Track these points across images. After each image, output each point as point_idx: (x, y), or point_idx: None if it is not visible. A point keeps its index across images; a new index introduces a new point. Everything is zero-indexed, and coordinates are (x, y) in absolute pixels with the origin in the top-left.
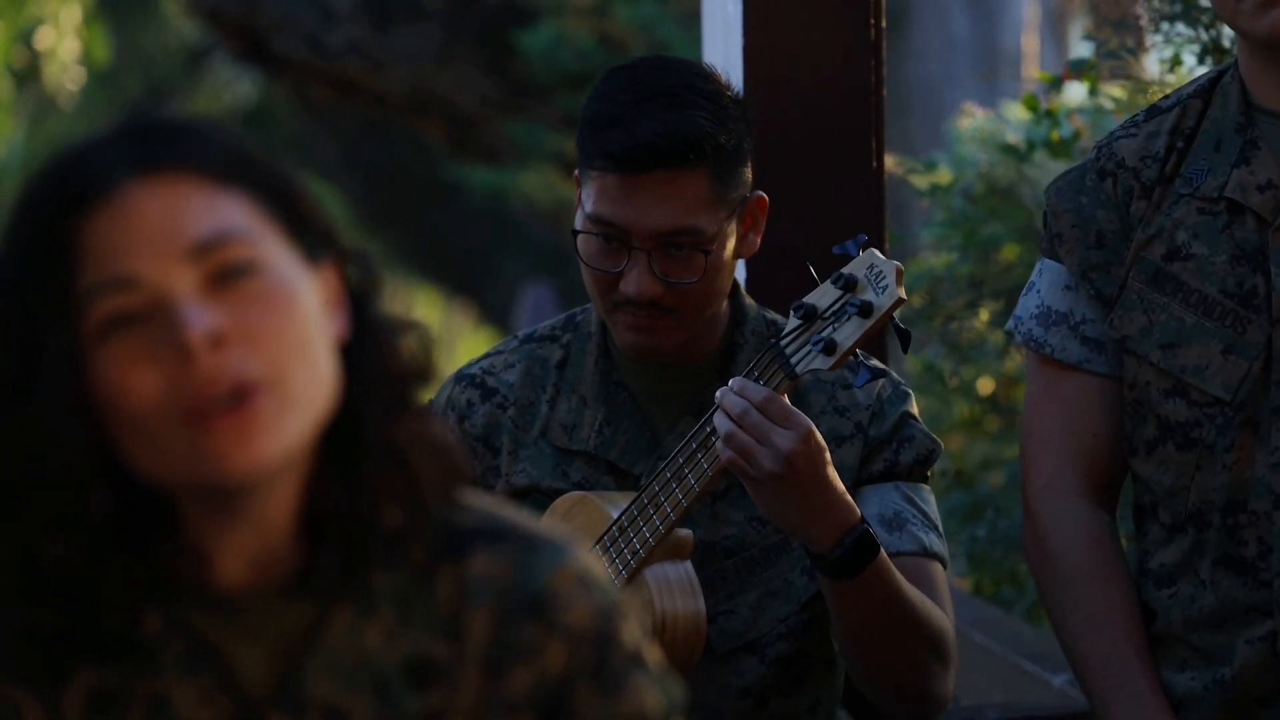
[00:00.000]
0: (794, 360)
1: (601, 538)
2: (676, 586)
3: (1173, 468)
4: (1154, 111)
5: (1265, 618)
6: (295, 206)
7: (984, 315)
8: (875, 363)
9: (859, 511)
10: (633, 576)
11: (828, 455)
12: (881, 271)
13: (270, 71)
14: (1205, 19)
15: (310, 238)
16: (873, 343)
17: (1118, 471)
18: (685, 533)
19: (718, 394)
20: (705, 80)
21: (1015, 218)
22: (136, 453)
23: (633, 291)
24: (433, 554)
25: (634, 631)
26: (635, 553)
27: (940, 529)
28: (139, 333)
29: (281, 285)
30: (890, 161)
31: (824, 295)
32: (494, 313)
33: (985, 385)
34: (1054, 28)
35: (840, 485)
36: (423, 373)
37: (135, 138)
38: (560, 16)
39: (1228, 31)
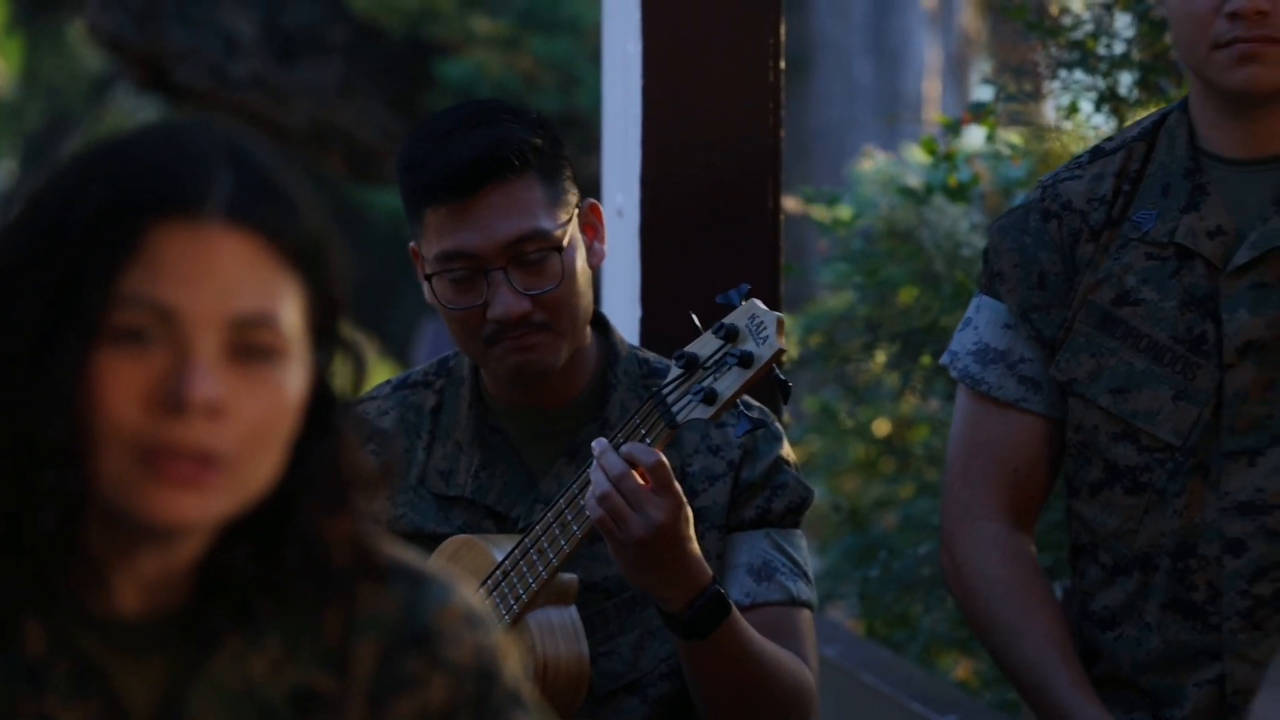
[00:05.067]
0: (675, 410)
1: (486, 581)
2: (559, 631)
3: (1119, 511)
4: (1098, 153)
5: (1215, 661)
6: (333, 307)
7: (880, 357)
8: (758, 409)
9: (711, 573)
10: (516, 620)
11: (692, 525)
12: (763, 322)
13: (173, 102)
14: (1102, 67)
15: (326, 337)
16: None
17: (1038, 504)
18: (570, 578)
19: (593, 445)
20: (504, 101)
21: (914, 260)
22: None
23: (501, 313)
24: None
25: (515, 670)
26: (519, 597)
27: (809, 574)
28: (145, 357)
29: (286, 383)
30: (791, 202)
31: (705, 345)
32: (395, 345)
33: (881, 427)
34: (955, 73)
35: (697, 549)
36: (373, 483)
37: (242, 173)
38: (471, 49)
39: (1125, 79)
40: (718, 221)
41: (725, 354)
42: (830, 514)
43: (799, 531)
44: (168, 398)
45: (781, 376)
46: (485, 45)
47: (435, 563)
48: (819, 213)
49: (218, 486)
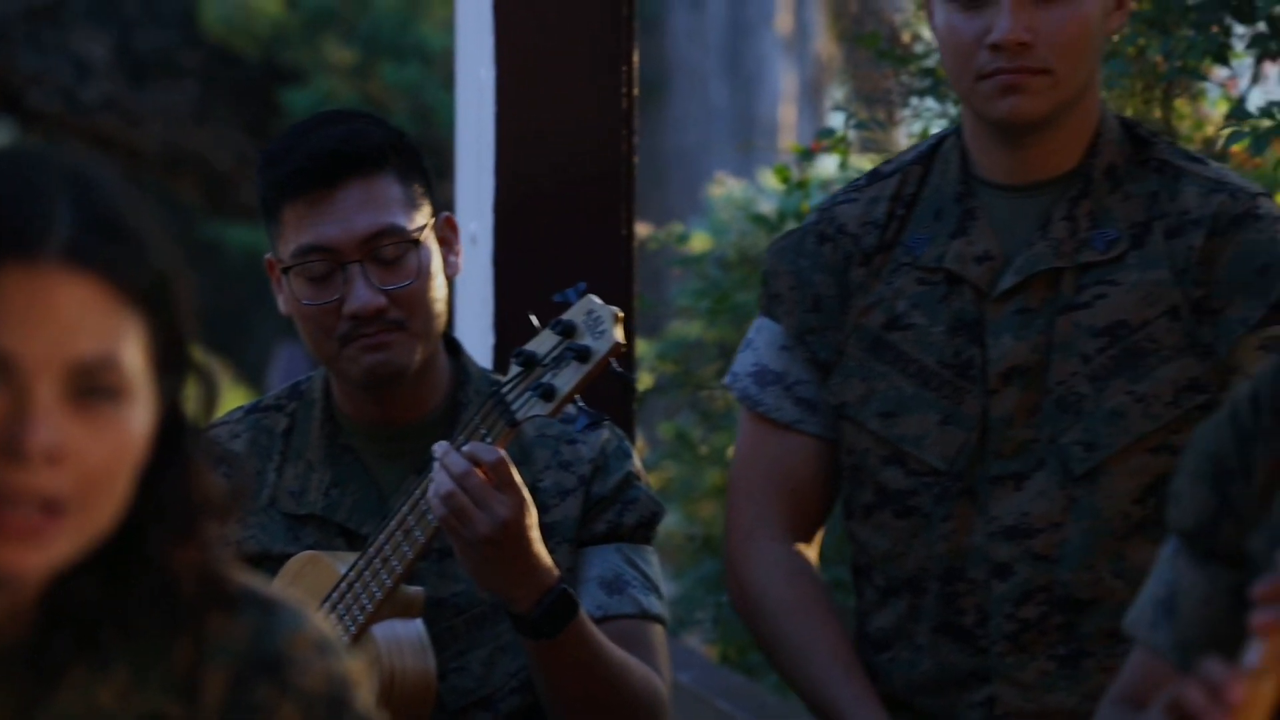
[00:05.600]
0: (514, 407)
1: (330, 595)
2: (406, 644)
3: (890, 533)
4: (875, 176)
5: (984, 683)
6: (180, 339)
7: None
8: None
9: (558, 573)
10: (360, 632)
11: (536, 522)
12: (599, 317)
13: (24, 125)
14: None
15: (173, 368)
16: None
17: (819, 522)
18: (415, 590)
19: (434, 448)
20: (364, 110)
21: None
22: None
23: (357, 306)
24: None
25: (367, 698)
26: (363, 608)
27: (661, 590)
28: None
29: (130, 422)
30: (645, 229)
31: (543, 342)
32: (249, 371)
33: None
34: (811, 98)
35: (543, 549)
36: (223, 508)
37: (83, 211)
38: (323, 75)
39: None
40: (571, 248)
41: (563, 350)
42: (685, 541)
43: (650, 547)
44: (6, 445)
45: (619, 370)
46: (336, 72)
47: (281, 580)
48: (673, 239)
49: (61, 533)
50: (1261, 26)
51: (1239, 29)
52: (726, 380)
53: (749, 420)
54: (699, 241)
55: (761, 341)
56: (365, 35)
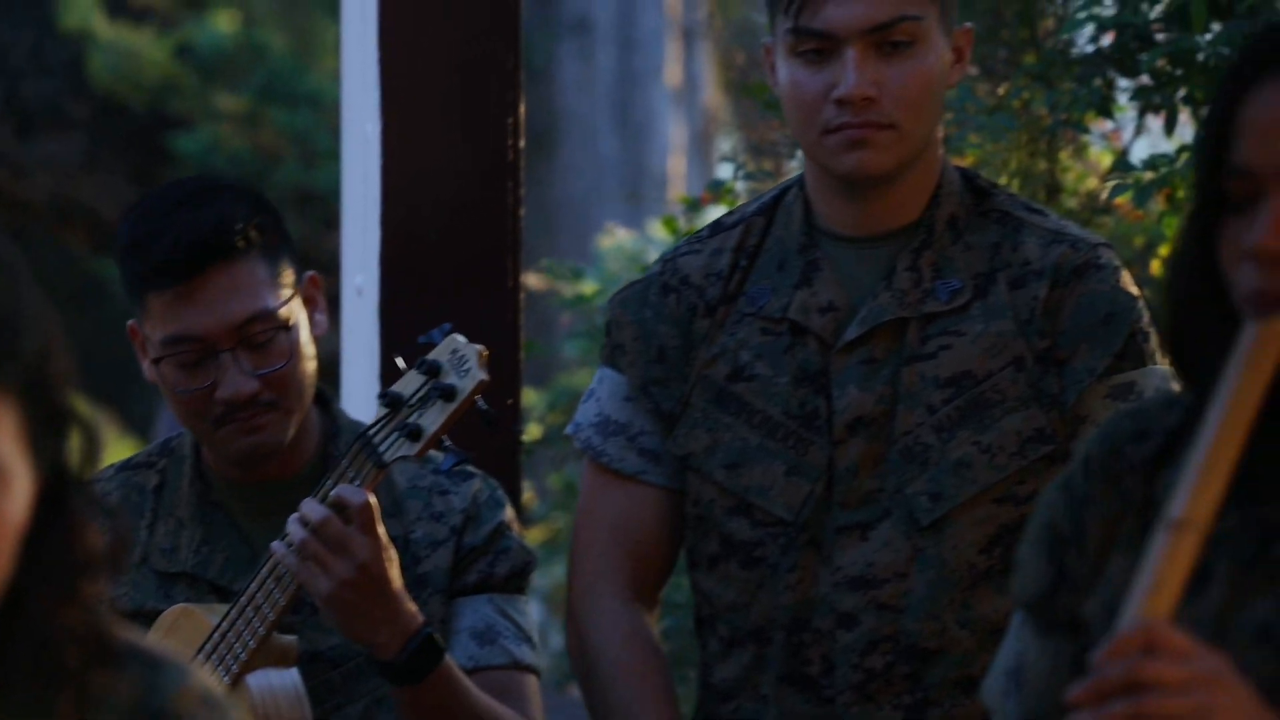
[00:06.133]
0: (381, 449)
1: (203, 645)
2: (281, 694)
3: (735, 584)
4: (718, 228)
5: None
6: (55, 408)
7: None
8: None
9: (422, 618)
10: (235, 681)
11: (398, 566)
12: (464, 355)
13: None
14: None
15: (52, 433)
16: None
17: (661, 577)
18: (289, 639)
19: (303, 504)
20: (222, 179)
21: None
22: None
23: (231, 394)
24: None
25: None
26: (237, 657)
27: (534, 640)
28: None
29: (8, 508)
30: (535, 277)
31: (408, 383)
32: (136, 422)
33: None
34: (700, 150)
35: (405, 594)
36: (106, 564)
37: None
38: (212, 123)
39: None
40: (458, 300)
41: (429, 389)
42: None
43: (524, 596)
44: None
45: (484, 407)
46: (226, 120)
47: (155, 634)
48: (563, 288)
49: None
50: (1145, 79)
51: (1122, 82)
52: (569, 430)
53: (592, 471)
54: (588, 289)
55: (604, 392)
56: (257, 83)
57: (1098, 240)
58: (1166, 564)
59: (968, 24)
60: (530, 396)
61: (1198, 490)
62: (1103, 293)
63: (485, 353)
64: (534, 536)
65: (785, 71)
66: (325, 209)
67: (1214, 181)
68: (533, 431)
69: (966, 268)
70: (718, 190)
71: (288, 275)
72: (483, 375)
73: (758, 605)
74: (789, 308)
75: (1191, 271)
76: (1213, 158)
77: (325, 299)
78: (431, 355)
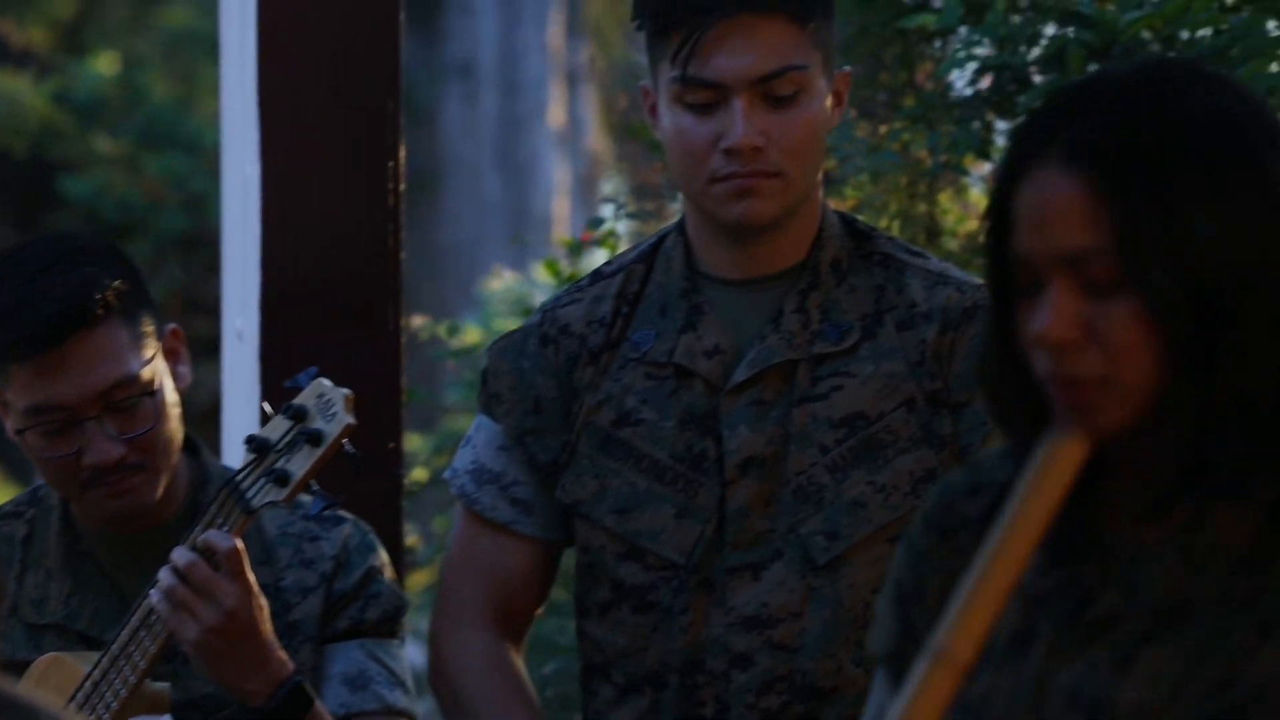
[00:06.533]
0: (249, 495)
1: (75, 694)
2: None
3: (628, 630)
4: (597, 277)
5: None
6: None
7: None
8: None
9: (292, 665)
10: None
11: (267, 613)
12: (330, 400)
13: None
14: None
15: None
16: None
17: (527, 622)
18: (161, 685)
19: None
20: (80, 240)
21: None
22: None
23: (97, 460)
24: None
25: None
26: (109, 706)
27: (408, 684)
28: None
29: None
30: (419, 321)
31: (275, 428)
32: (17, 467)
33: None
34: (584, 192)
35: (275, 641)
36: None
37: None
38: (95, 167)
39: None
40: (339, 345)
41: (295, 434)
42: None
43: (397, 641)
44: None
45: (351, 451)
46: (108, 164)
47: (26, 684)
48: (444, 332)
49: None
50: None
51: (1001, 124)
52: (446, 475)
53: (465, 516)
54: (472, 334)
55: (480, 440)
56: (137, 127)
57: (979, 282)
58: (920, 694)
59: (847, 68)
60: (415, 441)
61: (961, 621)
62: None
63: (352, 397)
64: (419, 580)
65: (670, 119)
66: (208, 253)
67: (1001, 269)
68: (418, 475)
69: (853, 309)
70: (597, 227)
71: (149, 333)
72: (349, 419)
73: (652, 650)
74: (674, 352)
75: (999, 348)
76: (996, 247)
77: (190, 346)
78: (298, 400)
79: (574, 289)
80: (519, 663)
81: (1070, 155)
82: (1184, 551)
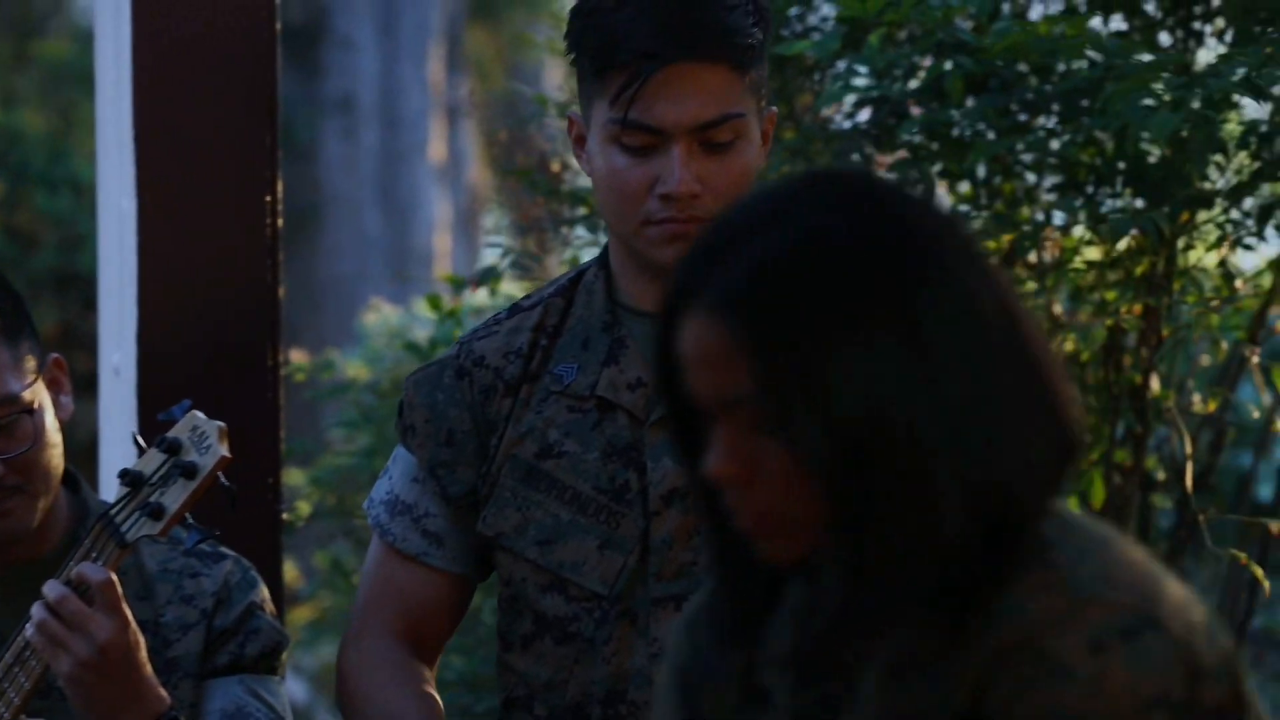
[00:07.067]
0: (124, 529)
1: None
2: None
3: (551, 661)
4: (515, 310)
5: None
6: None
7: None
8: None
9: (169, 700)
10: None
11: (143, 647)
12: (205, 432)
13: None
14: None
15: None
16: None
17: (435, 652)
18: None
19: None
20: None
21: None
22: None
23: None
24: None
25: None
26: None
27: (288, 719)
28: None
29: None
30: (300, 357)
31: (149, 461)
32: None
33: None
34: (466, 226)
35: (151, 674)
36: None
37: None
38: None
39: None
40: (217, 380)
41: (170, 468)
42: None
43: (276, 678)
44: None
45: (226, 483)
46: None
47: None
48: (320, 370)
49: None
50: (902, 153)
51: (880, 156)
52: (365, 505)
53: (379, 546)
54: (353, 369)
55: (397, 471)
56: (15, 166)
57: None
58: None
59: (774, 108)
60: (295, 475)
61: None
62: None
63: (226, 429)
64: (301, 616)
65: (604, 158)
66: (86, 291)
67: (676, 407)
68: (301, 509)
69: None
70: (487, 278)
71: (30, 359)
72: (224, 452)
73: (575, 681)
74: (597, 385)
75: (696, 480)
76: (665, 389)
77: (71, 381)
78: (172, 433)
79: (491, 322)
80: (427, 673)
81: (713, 304)
82: (888, 667)
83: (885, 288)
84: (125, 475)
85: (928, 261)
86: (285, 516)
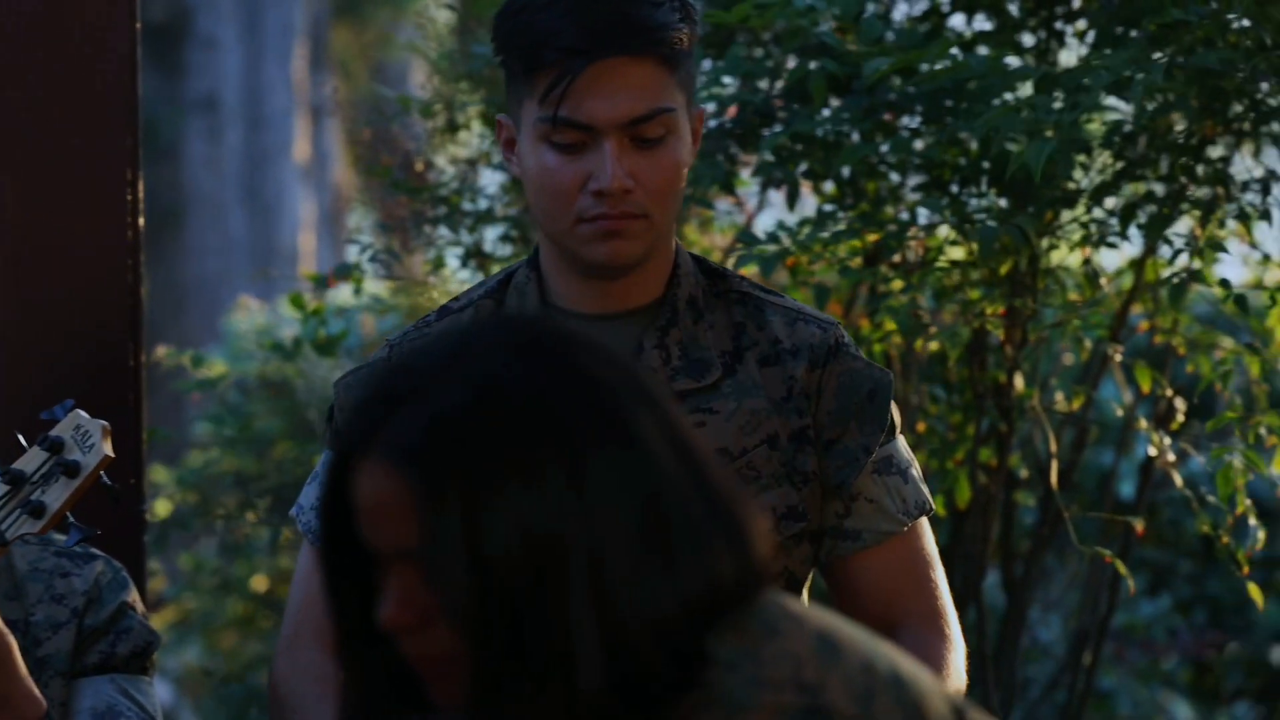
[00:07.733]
0: (3, 527)
1: None
2: None
3: None
4: (445, 312)
5: None
6: None
7: (254, 514)
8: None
9: (44, 704)
10: None
11: (16, 650)
12: (88, 431)
13: None
14: (468, 223)
15: None
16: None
17: None
18: None
19: None
20: None
21: (289, 414)
22: None
23: None
24: None
25: None
26: None
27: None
28: None
29: None
30: (163, 352)
31: (31, 460)
32: None
33: (259, 582)
34: (331, 226)
35: (26, 676)
36: None
37: None
38: None
39: (490, 235)
40: (78, 381)
41: (51, 466)
42: (205, 675)
43: (147, 678)
44: None
45: (109, 483)
46: None
47: None
48: (188, 362)
49: None
50: (767, 155)
51: (744, 156)
52: (292, 512)
53: (310, 552)
54: (217, 367)
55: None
56: None
57: (835, 320)
58: None
59: (703, 106)
60: (159, 474)
61: None
62: (859, 370)
63: (109, 428)
64: (165, 617)
65: (535, 157)
66: None
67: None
68: (160, 509)
69: (714, 346)
70: (346, 273)
71: None
72: (107, 451)
73: None
74: None
75: (357, 627)
76: (334, 532)
77: None
78: (54, 431)
79: (421, 324)
80: None
81: (387, 455)
82: None
83: (554, 435)
84: (6, 474)
85: (598, 408)
86: (146, 517)
